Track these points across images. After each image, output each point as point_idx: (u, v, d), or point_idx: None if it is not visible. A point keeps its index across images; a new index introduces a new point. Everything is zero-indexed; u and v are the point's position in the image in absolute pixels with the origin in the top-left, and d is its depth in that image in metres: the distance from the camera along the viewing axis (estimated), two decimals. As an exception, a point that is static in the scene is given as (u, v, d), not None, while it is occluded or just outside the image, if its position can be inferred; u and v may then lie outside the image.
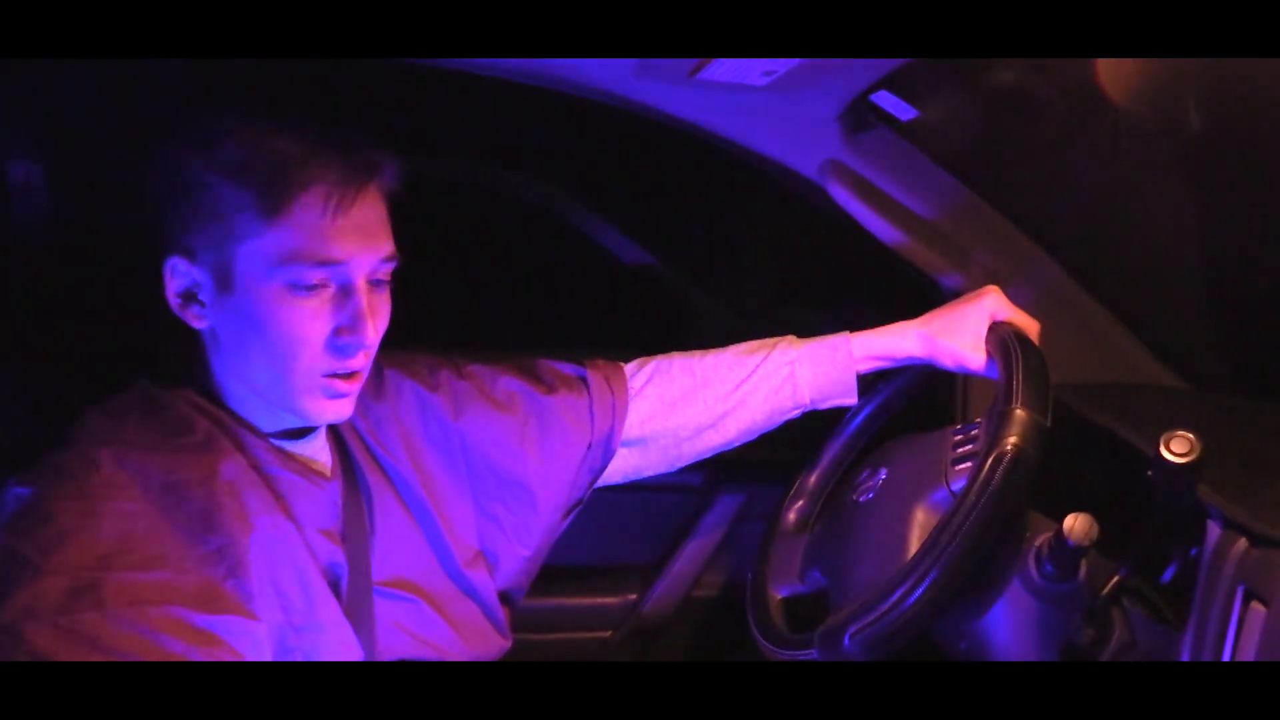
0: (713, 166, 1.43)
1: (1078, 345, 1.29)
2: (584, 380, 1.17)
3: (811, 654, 0.92)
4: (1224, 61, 1.03)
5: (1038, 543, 0.98)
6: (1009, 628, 1.01)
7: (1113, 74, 1.15)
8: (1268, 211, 1.20)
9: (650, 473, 1.22)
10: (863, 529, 1.07)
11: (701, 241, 1.85)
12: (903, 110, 1.24)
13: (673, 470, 1.22)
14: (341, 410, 0.93)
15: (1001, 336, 1.05)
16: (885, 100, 1.23)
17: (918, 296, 1.37)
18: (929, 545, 0.88)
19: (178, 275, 0.89)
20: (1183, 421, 0.85)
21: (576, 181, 1.75)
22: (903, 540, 1.01)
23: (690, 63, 1.06)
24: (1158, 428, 0.86)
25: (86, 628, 0.75)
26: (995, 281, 1.17)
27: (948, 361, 1.13)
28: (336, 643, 0.92)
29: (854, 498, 1.13)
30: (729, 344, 1.21)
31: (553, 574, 1.22)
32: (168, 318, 0.91)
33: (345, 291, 0.89)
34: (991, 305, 1.11)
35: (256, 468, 0.90)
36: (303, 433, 0.97)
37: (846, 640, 0.87)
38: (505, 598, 1.12)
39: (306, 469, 0.95)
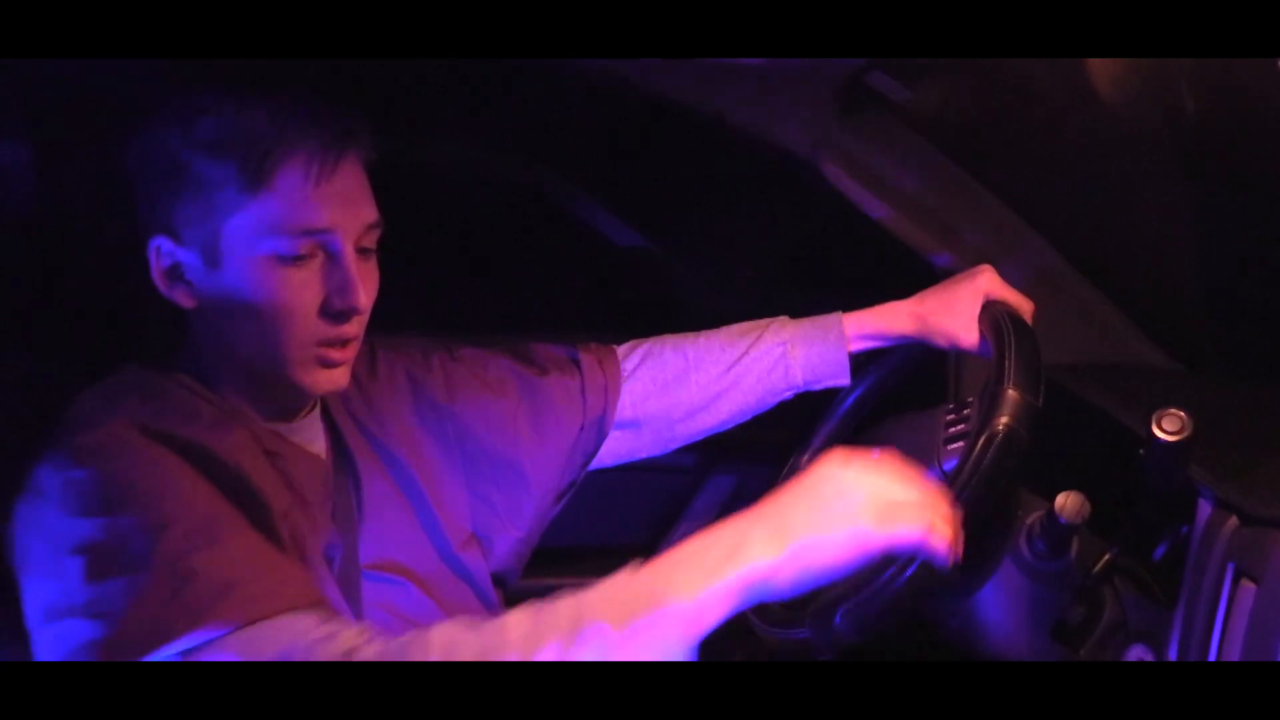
0: (704, 146, 1.42)
1: (1070, 325, 1.30)
2: (576, 363, 1.17)
3: (803, 632, 0.92)
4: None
5: (1029, 521, 0.98)
6: (1000, 606, 1.01)
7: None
8: (1260, 193, 1.20)
9: (643, 454, 1.22)
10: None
11: (692, 222, 1.84)
12: (896, 91, 1.24)
13: (666, 452, 1.22)
14: (337, 380, 0.93)
15: (994, 315, 1.05)
16: (879, 80, 1.22)
17: (910, 276, 1.37)
18: None
19: (163, 255, 0.88)
20: (1174, 401, 0.86)
21: (566, 163, 1.74)
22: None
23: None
24: (1149, 407, 0.86)
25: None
26: (988, 261, 1.17)
27: (941, 340, 1.13)
28: None
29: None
30: (721, 325, 1.21)
31: (546, 556, 1.21)
32: (153, 300, 0.90)
33: (333, 259, 0.89)
34: (985, 284, 1.11)
35: (261, 446, 0.90)
36: (295, 415, 0.97)
37: (838, 618, 0.88)
38: (499, 580, 1.12)
39: (303, 450, 0.95)
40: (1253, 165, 1.18)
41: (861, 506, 0.73)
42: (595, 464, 1.20)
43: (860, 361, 1.19)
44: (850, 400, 1.25)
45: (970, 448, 0.90)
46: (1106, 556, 0.95)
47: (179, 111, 0.86)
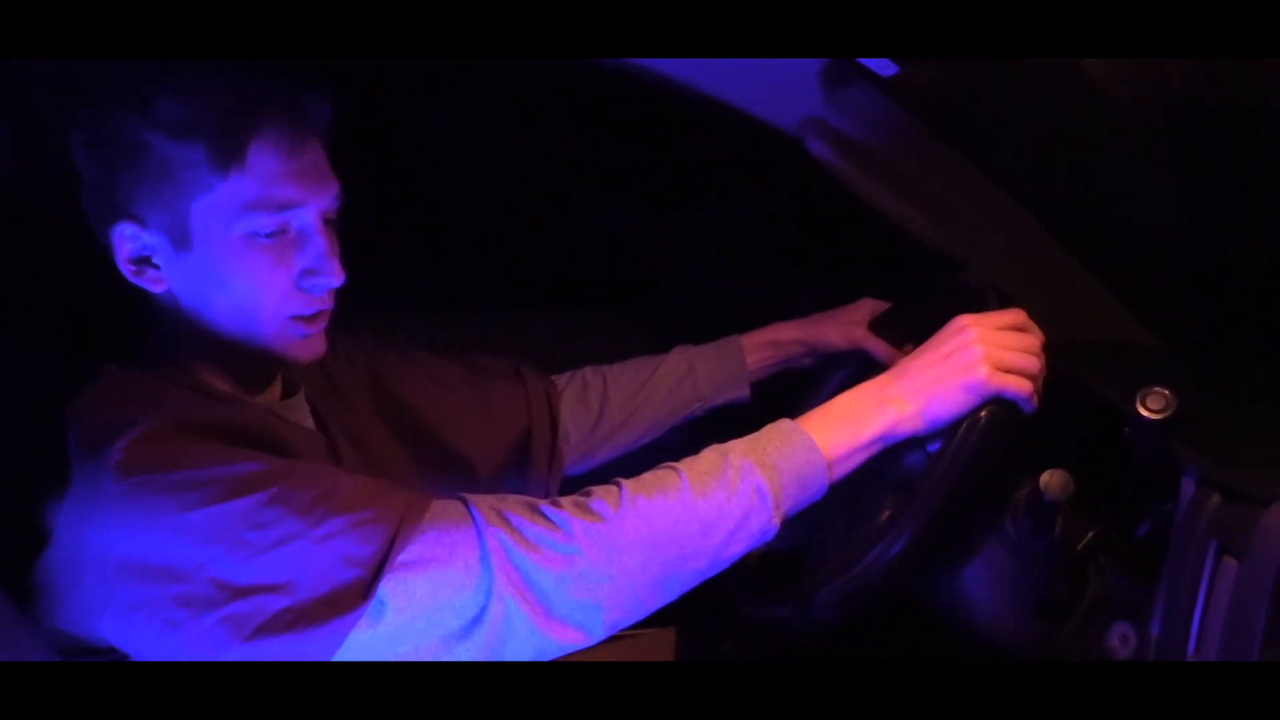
0: (691, 124, 1.41)
1: (1055, 302, 1.29)
2: (517, 372, 1.25)
3: (784, 609, 0.92)
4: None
5: (1014, 498, 0.98)
6: (985, 583, 1.02)
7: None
8: (1246, 170, 1.20)
9: (565, 469, 1.28)
10: (837, 488, 1.08)
11: (681, 202, 1.83)
12: (884, 67, 1.23)
13: (587, 468, 1.28)
14: (316, 346, 0.94)
15: (978, 291, 1.05)
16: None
17: (898, 254, 1.36)
18: (901, 506, 0.88)
19: (128, 241, 0.87)
20: (1159, 378, 0.86)
21: (552, 142, 1.73)
22: (876, 501, 1.01)
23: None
24: (1134, 385, 0.86)
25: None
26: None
27: (834, 337, 1.25)
28: None
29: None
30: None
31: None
32: (111, 289, 0.89)
33: (304, 233, 0.89)
34: (866, 304, 1.27)
35: (267, 424, 0.89)
36: (285, 395, 0.98)
37: (818, 600, 0.88)
38: None
39: (300, 427, 0.96)
40: (1240, 141, 1.18)
41: (979, 360, 0.88)
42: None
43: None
44: (833, 383, 1.26)
45: (954, 430, 0.90)
46: (1091, 533, 0.96)
47: (131, 92, 0.84)
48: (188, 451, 0.78)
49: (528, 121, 1.67)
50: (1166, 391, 0.85)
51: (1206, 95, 1.17)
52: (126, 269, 0.88)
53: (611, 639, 0.80)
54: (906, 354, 1.22)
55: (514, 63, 1.30)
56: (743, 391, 1.28)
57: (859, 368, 1.26)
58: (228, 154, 0.84)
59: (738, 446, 0.85)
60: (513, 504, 0.79)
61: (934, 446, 0.99)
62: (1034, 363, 0.91)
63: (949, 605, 1.05)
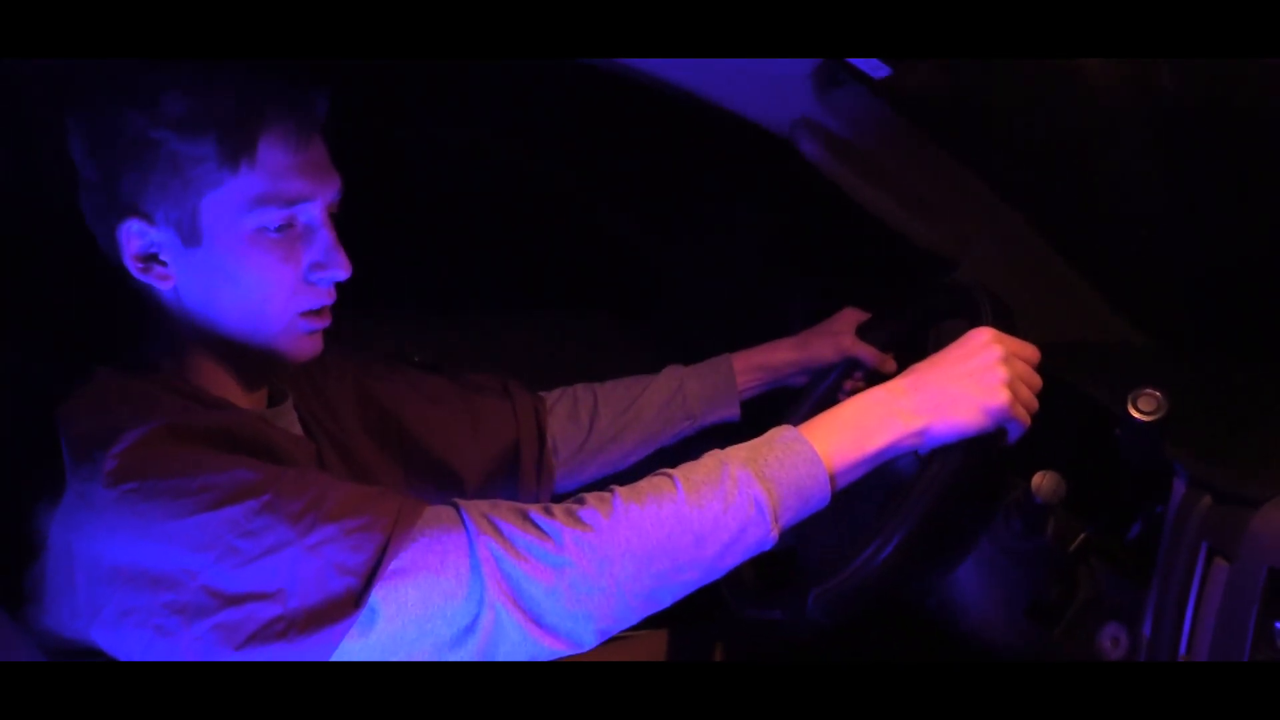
0: (684, 126, 1.41)
1: (1046, 303, 1.30)
2: (504, 386, 1.25)
3: (776, 612, 0.92)
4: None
5: (1005, 501, 0.98)
6: (977, 585, 1.02)
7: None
8: (1237, 171, 1.20)
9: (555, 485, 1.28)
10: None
11: (676, 204, 1.83)
12: (876, 68, 1.23)
13: (578, 485, 1.28)
14: (316, 346, 0.94)
15: (969, 292, 1.05)
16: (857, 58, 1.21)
17: (891, 256, 1.36)
18: (893, 510, 0.88)
19: (135, 238, 0.87)
20: (1150, 380, 0.86)
21: (547, 145, 1.73)
22: (867, 503, 1.01)
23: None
24: (1126, 386, 0.87)
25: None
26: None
27: (825, 352, 1.25)
28: None
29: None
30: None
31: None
32: (106, 292, 0.89)
33: (310, 227, 0.90)
34: (849, 314, 1.27)
35: (259, 431, 0.89)
36: (275, 403, 0.98)
37: (810, 602, 0.88)
38: None
39: (289, 433, 0.95)
40: (1230, 141, 1.18)
41: (1004, 383, 0.86)
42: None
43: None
44: (823, 386, 1.26)
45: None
46: (1082, 535, 0.96)
47: (134, 88, 0.84)
48: (180, 458, 0.77)
49: (523, 125, 1.67)
50: (1157, 393, 0.85)
51: (1196, 97, 1.17)
52: (134, 266, 0.87)
53: (604, 642, 0.80)
54: (893, 357, 1.23)
55: (509, 65, 1.30)
56: (733, 410, 1.27)
57: (845, 370, 1.27)
58: (238, 149, 0.84)
59: (738, 454, 0.82)
60: (505, 511, 0.78)
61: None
62: (1035, 402, 0.89)
63: (941, 607, 1.05)
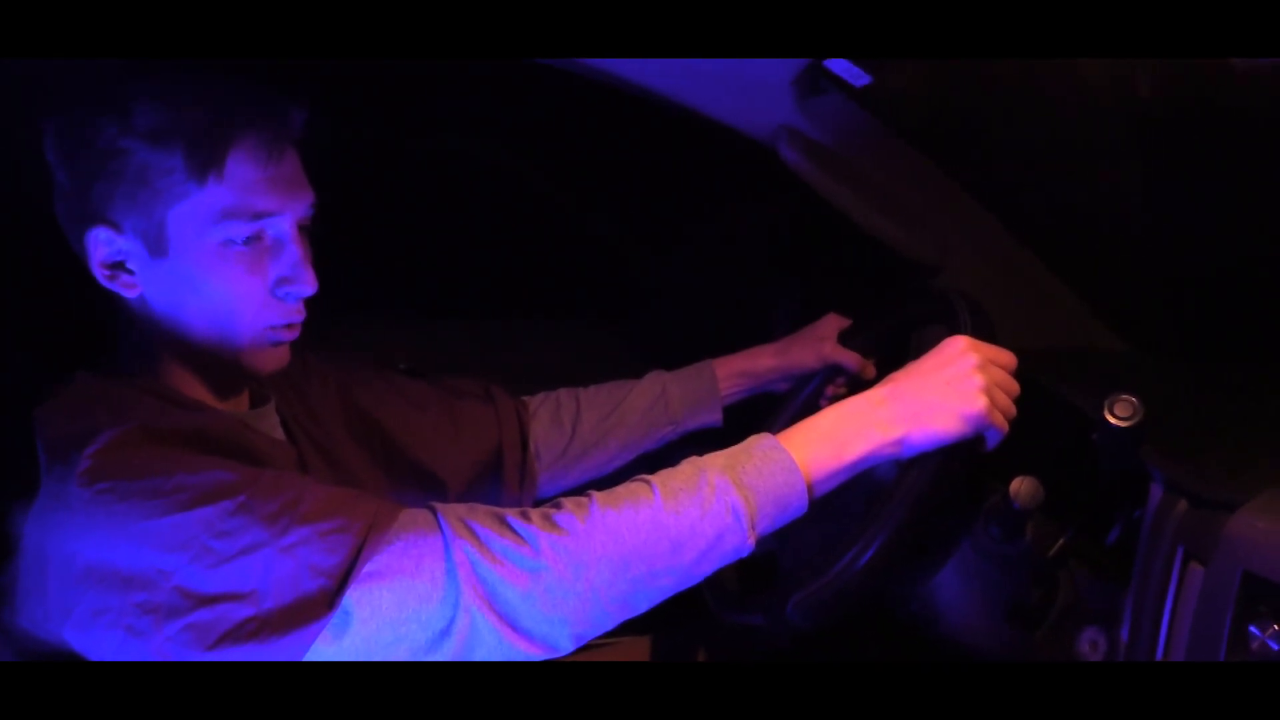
0: (668, 133, 1.42)
1: (1025, 310, 1.31)
2: (487, 391, 1.25)
3: (757, 618, 0.92)
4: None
5: (984, 506, 0.99)
6: (957, 590, 1.02)
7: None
8: (1213, 176, 1.21)
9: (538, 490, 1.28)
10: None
11: (661, 209, 1.84)
12: (856, 76, 1.23)
13: (559, 491, 1.28)
14: (282, 358, 0.94)
15: (948, 299, 1.05)
16: (839, 66, 1.22)
17: (874, 262, 1.37)
18: (873, 516, 0.88)
19: (102, 246, 0.86)
20: (1126, 385, 0.87)
21: (532, 152, 1.73)
22: (847, 508, 1.01)
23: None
24: (1102, 392, 0.87)
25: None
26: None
27: (807, 358, 1.26)
28: None
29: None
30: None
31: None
32: (83, 297, 0.88)
33: (279, 241, 0.89)
34: (831, 320, 1.28)
35: (236, 433, 0.88)
36: (255, 405, 0.98)
37: (790, 608, 0.88)
38: None
39: (270, 437, 0.95)
40: (1205, 151, 1.19)
41: (980, 390, 0.86)
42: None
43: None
44: (807, 391, 1.26)
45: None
46: (1061, 540, 0.96)
47: (107, 97, 0.84)
48: (155, 459, 0.77)
49: (508, 132, 1.67)
50: (1134, 399, 0.86)
51: (1175, 103, 1.19)
52: (100, 274, 0.87)
53: (585, 647, 0.80)
54: (875, 363, 1.23)
55: (494, 73, 1.30)
56: (715, 416, 1.28)
57: (827, 376, 1.27)
58: (206, 162, 0.84)
59: (715, 461, 0.83)
60: (481, 515, 0.79)
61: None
62: (1012, 408, 0.90)
63: (921, 612, 1.05)
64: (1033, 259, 1.35)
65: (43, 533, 0.78)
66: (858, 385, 1.23)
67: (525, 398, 1.29)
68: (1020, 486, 0.92)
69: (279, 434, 0.99)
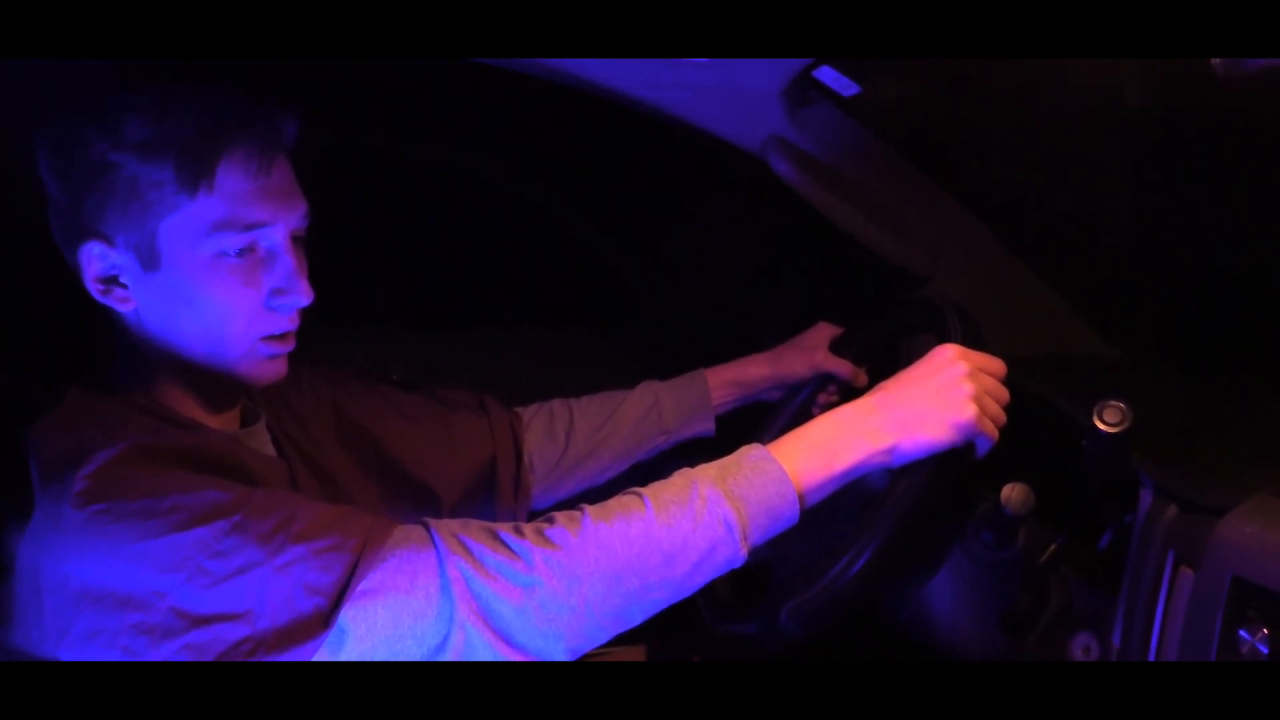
0: (659, 142, 1.42)
1: (1015, 316, 1.31)
2: (481, 403, 1.25)
3: (750, 627, 0.92)
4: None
5: (976, 513, 0.99)
6: (950, 596, 1.02)
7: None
8: (1202, 182, 1.22)
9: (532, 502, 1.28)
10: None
11: (652, 219, 1.84)
12: (845, 86, 1.24)
13: (552, 501, 1.28)
14: (279, 369, 0.93)
15: (937, 308, 1.06)
16: (827, 76, 1.22)
17: (864, 271, 1.37)
18: (865, 524, 0.89)
19: (95, 260, 0.86)
20: (1116, 391, 0.87)
21: (522, 161, 1.73)
22: (839, 517, 1.01)
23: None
24: (1091, 398, 0.88)
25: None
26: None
27: (798, 367, 1.26)
28: None
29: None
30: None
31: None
32: (77, 312, 0.88)
33: (273, 252, 0.89)
34: (822, 329, 1.28)
35: (230, 452, 0.88)
36: (246, 422, 0.97)
37: (783, 616, 0.88)
38: None
39: (261, 454, 0.95)
40: (1193, 158, 1.20)
41: (970, 398, 0.86)
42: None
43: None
44: (799, 399, 1.27)
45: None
46: (1053, 546, 0.97)
47: (98, 110, 0.84)
48: (149, 479, 0.77)
49: (499, 141, 1.68)
50: (1123, 404, 0.86)
51: (1162, 111, 1.19)
52: (94, 288, 0.87)
53: (580, 658, 0.80)
54: (866, 371, 1.24)
55: (488, 82, 1.30)
56: (708, 425, 1.28)
57: (819, 384, 1.27)
58: (196, 174, 0.83)
59: (707, 473, 0.83)
60: (475, 531, 0.79)
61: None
62: (1002, 415, 0.90)
63: (914, 619, 1.05)
64: (1021, 266, 1.35)
65: (38, 554, 0.77)
66: (850, 393, 1.23)
67: (519, 409, 1.29)
68: (1011, 493, 0.92)
69: (270, 451, 0.99)
